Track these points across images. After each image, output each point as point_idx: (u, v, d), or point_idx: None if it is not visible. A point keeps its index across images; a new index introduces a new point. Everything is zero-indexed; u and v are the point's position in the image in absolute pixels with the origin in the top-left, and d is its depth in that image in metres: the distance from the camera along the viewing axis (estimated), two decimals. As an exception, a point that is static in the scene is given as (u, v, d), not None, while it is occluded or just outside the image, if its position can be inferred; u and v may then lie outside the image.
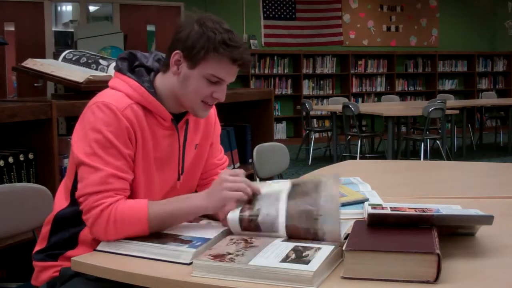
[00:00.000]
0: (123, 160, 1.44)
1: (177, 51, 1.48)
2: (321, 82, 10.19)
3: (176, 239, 1.33)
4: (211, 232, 1.35)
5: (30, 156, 2.15)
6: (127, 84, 1.51)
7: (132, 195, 1.49)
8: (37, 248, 1.59)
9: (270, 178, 2.84)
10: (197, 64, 1.47)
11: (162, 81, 1.54)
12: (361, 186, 1.93)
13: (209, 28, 1.46)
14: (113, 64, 2.50)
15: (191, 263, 1.21)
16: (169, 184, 1.61)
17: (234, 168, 3.26)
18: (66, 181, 1.58)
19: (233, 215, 1.36)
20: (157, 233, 1.38)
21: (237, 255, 1.18)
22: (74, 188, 1.49)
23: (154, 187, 1.56)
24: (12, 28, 7.80)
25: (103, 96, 1.49)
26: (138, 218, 1.38)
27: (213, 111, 1.76)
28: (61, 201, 1.57)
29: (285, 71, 9.88)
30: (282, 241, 1.27)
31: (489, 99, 9.67)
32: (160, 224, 1.40)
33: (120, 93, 1.49)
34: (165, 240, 1.32)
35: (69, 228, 1.53)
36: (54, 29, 8.27)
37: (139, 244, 1.31)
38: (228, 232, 1.37)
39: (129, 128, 1.45)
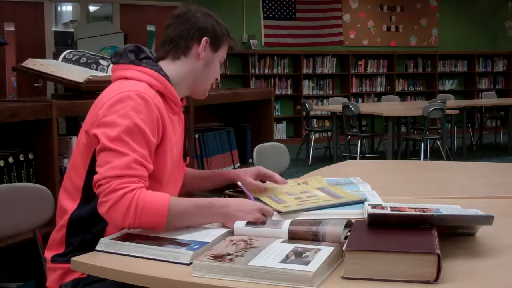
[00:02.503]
0: (147, 149, 1.47)
1: (206, 38, 1.66)
2: (321, 82, 10.20)
3: (174, 242, 1.32)
4: (208, 236, 1.35)
5: (30, 156, 2.15)
6: (146, 74, 1.58)
7: (158, 182, 1.55)
8: (53, 252, 1.58)
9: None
10: (218, 49, 1.70)
11: (177, 67, 1.66)
12: (361, 186, 1.93)
13: (215, 16, 1.71)
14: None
15: (189, 264, 1.21)
16: (178, 167, 1.70)
17: (234, 168, 3.26)
18: (72, 180, 1.58)
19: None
20: (155, 237, 1.37)
21: (237, 256, 1.18)
22: (86, 184, 1.50)
23: (173, 171, 1.65)
24: (12, 28, 7.81)
25: (127, 86, 1.52)
26: (159, 210, 1.38)
27: None
28: (69, 203, 1.57)
29: (285, 71, 9.88)
30: (282, 242, 1.28)
31: (489, 99, 9.68)
32: (177, 219, 1.40)
33: (143, 83, 1.55)
34: (162, 242, 1.31)
35: (88, 228, 1.53)
36: (54, 29, 8.27)
37: (138, 246, 1.31)
38: (226, 236, 1.37)
39: (158, 117, 1.51)
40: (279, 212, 1.54)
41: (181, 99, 1.70)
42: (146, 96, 1.50)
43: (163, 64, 1.66)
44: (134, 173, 1.41)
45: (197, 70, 1.67)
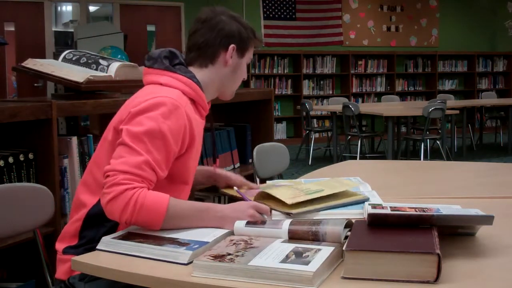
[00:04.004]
0: (165, 155, 1.50)
1: (233, 45, 1.68)
2: (321, 82, 10.20)
3: (174, 241, 1.32)
4: (208, 236, 1.35)
5: (30, 156, 2.15)
6: (180, 82, 1.62)
7: (185, 183, 1.64)
8: (65, 244, 1.61)
9: (270, 178, 2.84)
10: (244, 53, 1.73)
11: (205, 74, 1.69)
12: (361, 186, 1.93)
13: (240, 18, 1.72)
14: (114, 63, 2.50)
15: (189, 264, 1.21)
16: (195, 169, 1.74)
17: (234, 168, 3.27)
18: (95, 175, 1.60)
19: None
20: (156, 236, 1.38)
21: (237, 256, 1.18)
22: None
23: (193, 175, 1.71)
24: (12, 28, 7.80)
25: (161, 92, 1.56)
26: (157, 209, 1.40)
27: None
28: (89, 197, 1.60)
29: (285, 71, 9.88)
30: (282, 242, 1.28)
31: (489, 99, 9.68)
32: (175, 220, 1.42)
33: (176, 90, 1.60)
34: (162, 242, 1.32)
35: (103, 222, 1.54)
36: (54, 29, 8.27)
37: (138, 245, 1.31)
38: (226, 237, 1.37)
39: (186, 125, 1.55)
40: (286, 214, 1.53)
41: (208, 103, 1.73)
42: (179, 104, 1.53)
43: (192, 69, 1.69)
44: (141, 173, 1.44)
45: (224, 76, 1.71)
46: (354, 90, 10.29)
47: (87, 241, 1.58)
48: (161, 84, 1.62)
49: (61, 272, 1.60)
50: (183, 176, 1.63)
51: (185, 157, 1.60)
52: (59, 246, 1.64)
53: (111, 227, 1.55)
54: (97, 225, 1.57)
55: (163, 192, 1.46)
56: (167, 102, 1.52)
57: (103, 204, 1.43)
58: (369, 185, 1.95)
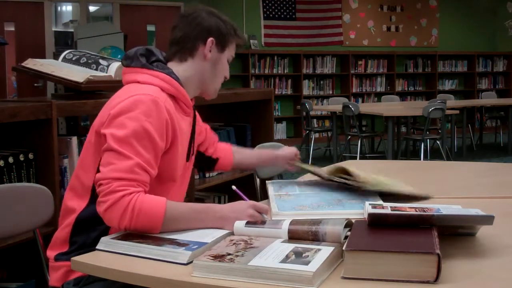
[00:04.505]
0: (153, 153, 1.49)
1: (211, 38, 1.67)
2: (321, 82, 10.19)
3: (173, 242, 1.32)
4: (207, 237, 1.35)
5: (30, 156, 2.15)
6: (158, 78, 1.60)
7: (172, 181, 1.62)
8: (56, 251, 1.59)
9: (270, 178, 2.84)
10: (224, 48, 1.71)
11: (185, 68, 1.68)
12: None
13: (221, 15, 1.72)
14: (114, 63, 2.51)
15: (188, 264, 1.21)
16: (182, 166, 1.70)
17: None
18: (81, 179, 1.59)
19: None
20: (155, 236, 1.38)
21: (236, 256, 1.18)
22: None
23: (181, 172, 1.67)
24: (12, 28, 7.80)
25: (139, 90, 1.54)
26: (155, 213, 1.39)
27: None
28: (77, 202, 1.58)
29: (285, 71, 9.88)
30: (282, 242, 1.28)
31: (489, 99, 9.67)
32: (173, 223, 1.41)
33: (154, 87, 1.57)
34: (161, 242, 1.32)
35: (95, 226, 1.53)
36: (54, 29, 8.27)
37: (137, 246, 1.31)
38: (226, 237, 1.37)
39: (168, 121, 1.53)
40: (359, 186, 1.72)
41: (191, 99, 1.71)
42: (158, 100, 1.52)
43: (171, 65, 1.68)
44: (135, 177, 1.43)
45: (204, 70, 1.69)
46: (354, 90, 10.29)
47: (78, 247, 1.56)
48: (138, 82, 1.60)
49: (54, 279, 1.58)
50: (170, 173, 1.61)
51: (170, 153, 1.58)
52: (50, 253, 1.61)
53: (102, 231, 1.52)
54: (87, 229, 1.56)
55: (151, 191, 1.45)
56: (145, 100, 1.50)
57: (101, 213, 1.42)
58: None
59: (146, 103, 1.49)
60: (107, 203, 1.39)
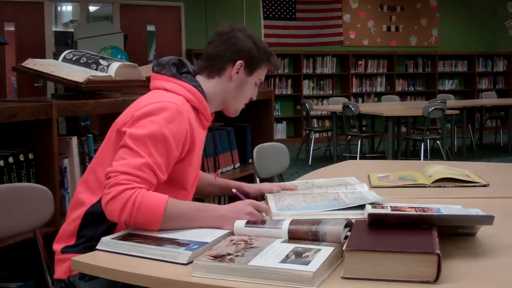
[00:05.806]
0: (166, 159, 1.52)
1: (241, 61, 1.70)
2: (321, 82, 10.20)
3: (173, 242, 1.32)
4: (208, 237, 1.35)
5: (30, 156, 2.15)
6: (185, 89, 1.65)
7: (183, 189, 1.65)
8: (63, 244, 1.62)
9: (270, 178, 2.84)
10: (252, 72, 1.74)
11: (210, 85, 1.72)
12: (358, 186, 1.92)
13: (257, 39, 1.73)
14: (114, 63, 2.50)
15: (188, 264, 1.21)
16: (194, 176, 1.74)
17: (234, 168, 3.27)
18: (97, 175, 1.62)
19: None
20: (155, 236, 1.38)
21: (237, 256, 1.18)
22: None
23: (194, 181, 1.74)
24: (12, 28, 7.80)
25: (165, 97, 1.59)
26: (155, 209, 1.41)
27: None
28: (89, 196, 1.61)
29: (285, 71, 9.88)
30: (282, 242, 1.28)
31: (489, 99, 9.68)
32: (173, 221, 1.42)
33: (180, 97, 1.62)
34: (161, 242, 1.32)
35: (102, 221, 1.54)
36: (54, 29, 8.27)
37: (137, 246, 1.31)
38: (226, 237, 1.37)
39: (188, 131, 1.57)
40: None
41: (211, 114, 1.75)
42: (182, 110, 1.56)
43: (199, 78, 1.72)
44: (141, 174, 1.45)
45: (228, 91, 1.73)
46: (354, 90, 10.29)
47: (85, 240, 1.58)
48: (166, 89, 1.65)
49: (60, 271, 1.60)
50: (181, 181, 1.65)
51: (184, 162, 1.62)
52: (57, 246, 1.64)
53: (110, 226, 1.55)
54: (96, 224, 1.58)
55: None
56: (170, 107, 1.54)
57: (104, 205, 1.44)
58: (366, 185, 1.95)
59: (170, 111, 1.54)
60: (110, 195, 1.42)
